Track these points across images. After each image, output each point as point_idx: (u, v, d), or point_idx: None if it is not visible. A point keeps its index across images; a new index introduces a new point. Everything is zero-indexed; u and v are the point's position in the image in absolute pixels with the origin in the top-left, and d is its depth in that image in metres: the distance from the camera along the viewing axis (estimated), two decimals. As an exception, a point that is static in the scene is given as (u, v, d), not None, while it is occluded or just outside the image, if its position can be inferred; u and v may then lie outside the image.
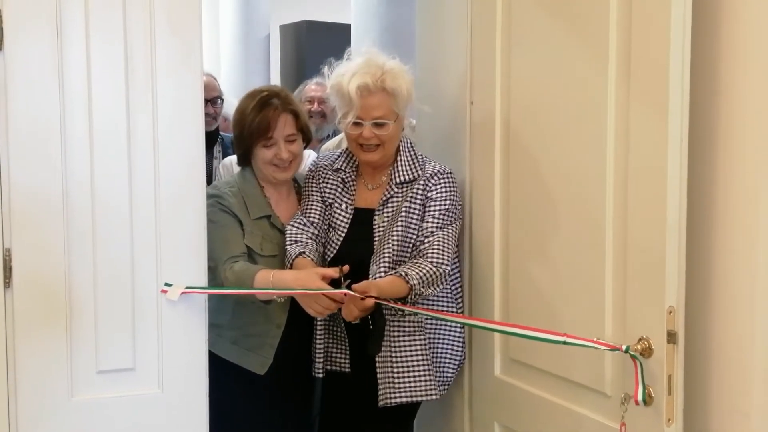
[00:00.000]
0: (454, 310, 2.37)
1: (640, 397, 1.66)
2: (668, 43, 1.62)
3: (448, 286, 2.33)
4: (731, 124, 1.69)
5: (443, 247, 2.23)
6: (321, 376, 2.37)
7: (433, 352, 2.33)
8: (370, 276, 2.21)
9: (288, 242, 2.30)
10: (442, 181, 2.27)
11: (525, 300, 2.11)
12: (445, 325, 2.36)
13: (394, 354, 2.27)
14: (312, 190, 2.39)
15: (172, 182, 2.00)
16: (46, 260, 1.92)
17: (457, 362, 2.38)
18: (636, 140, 1.72)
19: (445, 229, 2.25)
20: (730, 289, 1.70)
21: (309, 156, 3.33)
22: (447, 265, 2.22)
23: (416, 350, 2.27)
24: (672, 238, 1.64)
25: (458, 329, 2.38)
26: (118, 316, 1.98)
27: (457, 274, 2.38)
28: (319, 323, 2.35)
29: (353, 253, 2.27)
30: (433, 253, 2.21)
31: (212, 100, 3.62)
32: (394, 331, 2.27)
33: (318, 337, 2.35)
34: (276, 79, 8.48)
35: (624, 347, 1.68)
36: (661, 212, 1.65)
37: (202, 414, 2.05)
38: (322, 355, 2.36)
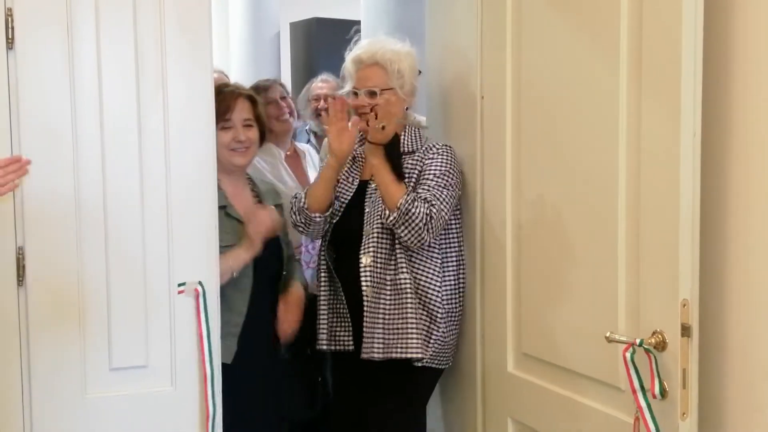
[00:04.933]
0: (442, 296, 2.36)
1: (656, 390, 1.65)
2: (680, 38, 1.61)
3: (438, 261, 2.36)
4: (744, 117, 1.68)
5: (437, 195, 2.30)
6: (326, 349, 2.46)
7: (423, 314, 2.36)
8: (364, 236, 2.36)
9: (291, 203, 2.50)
10: (438, 152, 2.37)
11: (537, 294, 2.10)
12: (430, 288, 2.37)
13: (381, 311, 2.33)
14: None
15: (183, 180, 2.00)
16: (59, 258, 1.93)
17: (443, 328, 2.37)
18: (648, 133, 1.71)
19: (438, 190, 2.31)
20: (744, 281, 1.69)
21: (308, 151, 3.34)
22: (442, 211, 2.28)
23: (403, 308, 2.31)
24: (685, 230, 1.63)
25: (442, 295, 2.37)
26: (130, 314, 1.99)
27: (453, 268, 2.40)
28: (322, 302, 2.45)
29: (353, 221, 2.41)
30: (427, 194, 2.30)
31: None
32: (383, 291, 2.33)
33: (321, 315, 2.45)
34: (286, 76, 8.48)
35: (638, 341, 1.67)
36: (674, 205, 1.64)
37: (216, 411, 2.05)
38: (326, 333, 2.44)
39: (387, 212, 2.29)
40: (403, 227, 2.26)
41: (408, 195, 2.27)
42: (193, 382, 2.04)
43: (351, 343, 2.41)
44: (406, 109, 2.46)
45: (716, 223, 1.72)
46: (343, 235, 2.44)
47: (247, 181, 2.53)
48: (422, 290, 2.34)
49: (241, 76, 7.75)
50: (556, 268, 2.03)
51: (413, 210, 2.24)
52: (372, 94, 2.39)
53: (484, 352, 2.37)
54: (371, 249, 2.35)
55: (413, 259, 2.34)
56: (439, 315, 2.34)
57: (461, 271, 2.42)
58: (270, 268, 2.44)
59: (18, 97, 1.88)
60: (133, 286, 2.00)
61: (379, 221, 2.35)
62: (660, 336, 1.67)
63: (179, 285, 2.02)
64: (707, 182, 1.68)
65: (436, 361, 2.37)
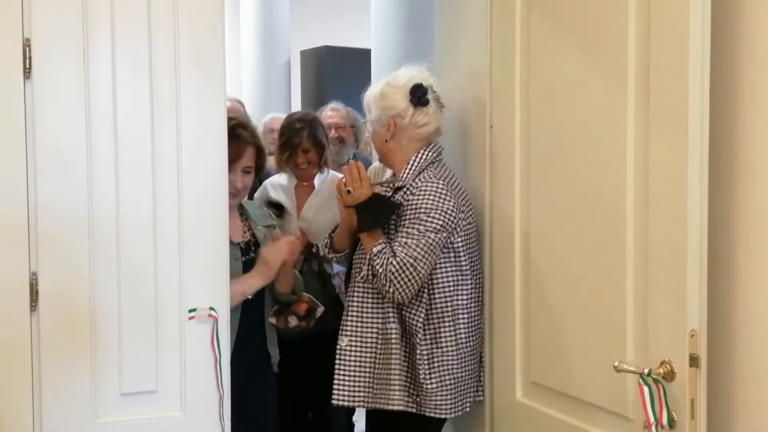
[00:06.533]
0: (429, 342, 2.28)
1: (665, 421, 1.64)
2: (687, 65, 1.63)
3: (421, 312, 2.28)
4: (752, 146, 1.68)
5: (406, 244, 2.22)
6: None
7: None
8: (351, 282, 2.39)
9: None
10: (418, 191, 2.28)
11: (546, 323, 2.11)
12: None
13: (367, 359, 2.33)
14: None
15: (195, 207, 2.02)
16: (72, 283, 1.95)
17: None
18: (656, 163, 1.72)
19: (407, 237, 2.23)
20: (752, 311, 1.69)
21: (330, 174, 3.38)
22: (409, 260, 2.20)
23: (388, 358, 2.29)
24: (693, 261, 1.64)
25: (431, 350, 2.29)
26: (141, 339, 2.01)
27: (465, 307, 2.32)
28: None
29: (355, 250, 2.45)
30: (395, 244, 2.25)
31: None
32: (367, 339, 2.33)
33: None
34: (296, 104, 8.56)
35: (646, 371, 1.67)
36: (682, 235, 1.64)
37: (225, 436, 2.06)
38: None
39: (361, 266, 2.32)
40: (375, 281, 2.27)
41: (374, 248, 2.25)
42: (203, 407, 2.04)
43: None
44: (386, 141, 2.42)
45: (724, 253, 1.73)
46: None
47: (238, 212, 2.59)
48: (408, 336, 2.29)
49: (253, 103, 7.84)
50: (564, 296, 2.03)
51: (375, 263, 2.24)
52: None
53: (492, 379, 2.37)
54: (355, 297, 2.35)
55: (402, 308, 2.30)
56: (425, 362, 2.26)
57: (474, 310, 2.35)
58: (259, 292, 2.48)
59: (35, 125, 1.91)
60: (144, 311, 2.01)
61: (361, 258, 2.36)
62: (668, 366, 1.67)
63: (190, 311, 2.03)
64: (715, 212, 1.69)
65: (431, 411, 2.28)
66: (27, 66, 1.90)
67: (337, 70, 7.95)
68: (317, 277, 3.17)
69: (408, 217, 2.26)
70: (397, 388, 2.27)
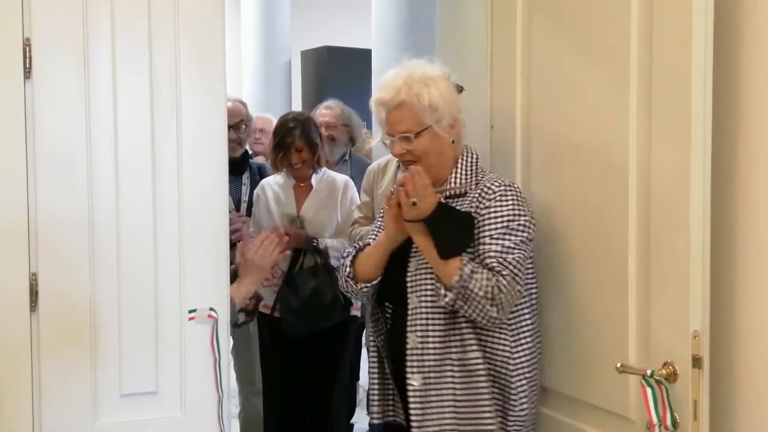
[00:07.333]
0: (517, 371, 1.96)
1: (668, 422, 1.64)
2: (690, 69, 1.62)
3: (508, 331, 1.96)
4: (755, 148, 1.68)
5: (505, 260, 1.90)
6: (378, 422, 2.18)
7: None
8: (409, 309, 2.00)
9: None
10: (496, 197, 1.96)
11: (547, 324, 2.10)
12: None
13: (447, 394, 1.98)
14: (380, 214, 2.20)
15: (195, 208, 2.02)
16: (72, 284, 1.94)
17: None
18: (658, 163, 1.72)
19: (504, 252, 1.92)
20: (755, 313, 1.68)
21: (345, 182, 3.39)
22: (515, 279, 1.89)
23: (475, 391, 1.97)
24: (696, 262, 1.63)
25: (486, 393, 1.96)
26: (141, 340, 2.00)
27: (529, 333, 2.01)
28: (371, 368, 2.16)
29: (395, 272, 2.06)
30: (491, 261, 1.90)
31: (236, 125, 3.57)
32: (445, 373, 1.98)
33: (372, 382, 2.17)
34: (297, 104, 8.56)
35: (649, 372, 1.67)
36: (685, 236, 1.64)
37: (225, 437, 2.05)
38: (379, 405, 2.16)
39: (442, 291, 1.92)
40: (465, 307, 1.89)
41: (465, 268, 1.87)
42: (203, 408, 2.04)
43: (402, 415, 2.12)
44: (452, 142, 2.05)
45: (727, 254, 1.72)
46: (394, 288, 2.08)
47: None
48: (495, 368, 1.97)
49: (253, 103, 7.83)
50: (565, 297, 2.03)
51: (471, 285, 1.86)
52: (407, 139, 2.02)
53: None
54: (419, 327, 1.98)
55: (480, 332, 1.97)
56: (512, 392, 1.96)
57: (537, 338, 2.05)
58: None
59: (34, 125, 1.91)
60: (144, 311, 2.00)
61: (430, 292, 1.98)
62: (671, 367, 1.67)
63: (190, 312, 2.03)
64: (718, 213, 1.69)
65: None
66: (27, 66, 1.90)
67: (338, 71, 7.96)
68: (324, 269, 3.17)
69: (493, 226, 1.93)
70: (489, 421, 1.95)
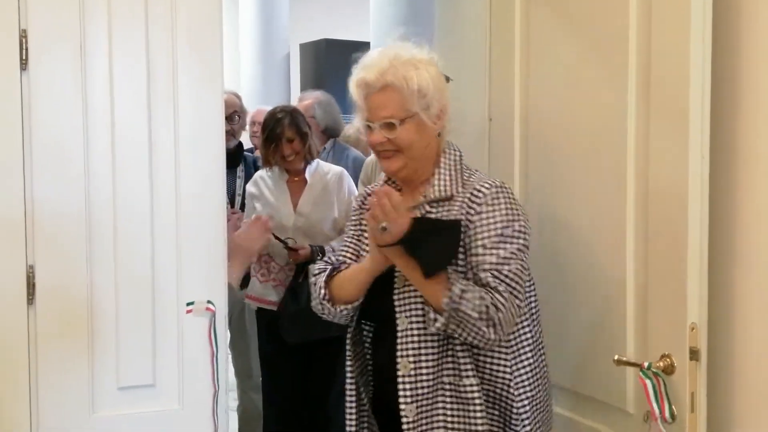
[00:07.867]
0: (518, 392, 1.78)
1: (667, 414, 1.64)
2: (688, 60, 1.62)
3: (506, 350, 1.78)
4: (754, 141, 1.68)
5: (500, 274, 1.71)
6: None
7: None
8: (399, 331, 1.77)
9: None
10: (488, 200, 1.76)
11: (546, 317, 2.10)
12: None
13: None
14: (351, 225, 2.00)
15: (192, 199, 2.02)
16: (69, 276, 1.94)
17: None
18: (656, 156, 1.72)
19: (499, 264, 1.72)
20: (752, 305, 1.68)
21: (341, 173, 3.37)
22: (513, 294, 1.71)
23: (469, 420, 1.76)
24: (693, 254, 1.63)
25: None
26: (139, 333, 2.00)
27: (530, 348, 1.83)
28: (348, 393, 1.91)
29: (378, 288, 1.83)
30: (485, 275, 1.71)
31: (229, 116, 3.53)
32: (437, 401, 1.79)
33: (348, 409, 1.90)
34: (296, 98, 8.54)
35: (646, 364, 1.67)
36: (683, 229, 1.64)
37: (223, 431, 2.05)
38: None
39: (432, 315, 1.71)
40: (459, 330, 1.69)
41: (454, 288, 1.67)
42: (200, 401, 2.04)
43: None
44: (438, 135, 1.84)
45: (725, 247, 1.72)
46: (376, 305, 1.85)
47: None
48: (495, 389, 1.79)
49: (252, 96, 7.83)
50: (564, 290, 2.02)
51: (463, 307, 1.66)
52: (389, 127, 1.78)
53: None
54: (410, 351, 1.76)
55: (477, 353, 1.78)
56: (513, 416, 1.78)
57: (539, 352, 1.87)
58: None
59: (31, 116, 1.90)
60: (141, 303, 2.00)
61: (421, 311, 1.76)
62: (668, 359, 1.67)
63: (188, 304, 2.02)
64: (715, 206, 1.68)
65: None
66: (23, 57, 1.89)
67: (337, 63, 7.93)
68: None
69: (486, 235, 1.73)
70: None
